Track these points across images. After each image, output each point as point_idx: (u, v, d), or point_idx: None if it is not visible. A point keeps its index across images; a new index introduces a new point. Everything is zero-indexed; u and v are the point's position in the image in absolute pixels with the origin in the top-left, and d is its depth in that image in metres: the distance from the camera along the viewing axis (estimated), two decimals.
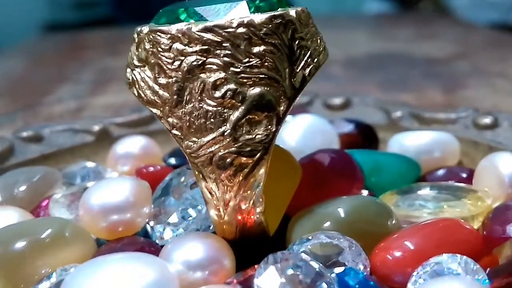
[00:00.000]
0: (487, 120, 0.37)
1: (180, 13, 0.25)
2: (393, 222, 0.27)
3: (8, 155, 0.38)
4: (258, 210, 0.25)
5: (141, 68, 0.25)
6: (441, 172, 0.33)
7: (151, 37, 0.24)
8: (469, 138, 0.36)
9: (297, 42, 0.24)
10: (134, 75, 0.25)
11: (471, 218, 0.27)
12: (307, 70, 0.24)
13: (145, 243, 0.27)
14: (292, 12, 0.24)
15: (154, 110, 0.25)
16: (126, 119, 0.44)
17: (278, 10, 0.24)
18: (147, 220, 0.28)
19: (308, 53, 0.24)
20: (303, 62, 0.24)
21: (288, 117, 0.38)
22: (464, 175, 0.32)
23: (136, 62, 0.25)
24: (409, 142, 0.35)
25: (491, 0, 1.33)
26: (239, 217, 0.25)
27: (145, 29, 0.25)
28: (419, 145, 0.35)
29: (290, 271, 0.21)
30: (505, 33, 0.97)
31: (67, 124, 0.43)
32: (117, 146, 0.38)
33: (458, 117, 0.38)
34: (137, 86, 0.25)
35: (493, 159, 0.30)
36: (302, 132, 0.36)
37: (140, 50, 0.25)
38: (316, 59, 0.25)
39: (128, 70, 0.25)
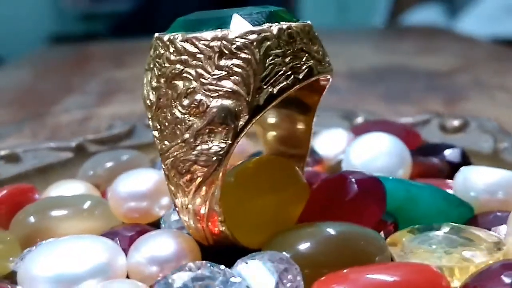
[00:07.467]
0: None
1: (184, 23, 0.27)
2: (382, 258, 0.25)
3: (125, 137, 0.43)
4: (219, 219, 0.25)
5: (146, 73, 0.27)
6: (490, 215, 0.29)
7: (154, 44, 0.27)
8: None
9: (270, 58, 0.24)
10: (143, 79, 0.28)
11: (462, 269, 0.24)
12: (277, 88, 0.24)
13: (139, 230, 0.29)
14: (275, 28, 0.24)
15: (147, 112, 0.27)
16: None
17: (264, 25, 0.25)
18: (164, 211, 0.31)
19: (282, 71, 0.24)
20: (273, 79, 0.24)
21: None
22: None
23: (146, 67, 0.28)
24: (475, 178, 0.31)
25: (493, 15, 1.28)
26: (202, 224, 0.26)
27: (155, 36, 0.27)
28: (483, 183, 0.31)
29: (190, 281, 0.22)
30: (505, 47, 0.97)
31: None
32: None
33: None
34: (142, 89, 0.27)
35: None
36: (371, 152, 0.35)
37: (149, 56, 0.27)
38: (292, 77, 0.24)
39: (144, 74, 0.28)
